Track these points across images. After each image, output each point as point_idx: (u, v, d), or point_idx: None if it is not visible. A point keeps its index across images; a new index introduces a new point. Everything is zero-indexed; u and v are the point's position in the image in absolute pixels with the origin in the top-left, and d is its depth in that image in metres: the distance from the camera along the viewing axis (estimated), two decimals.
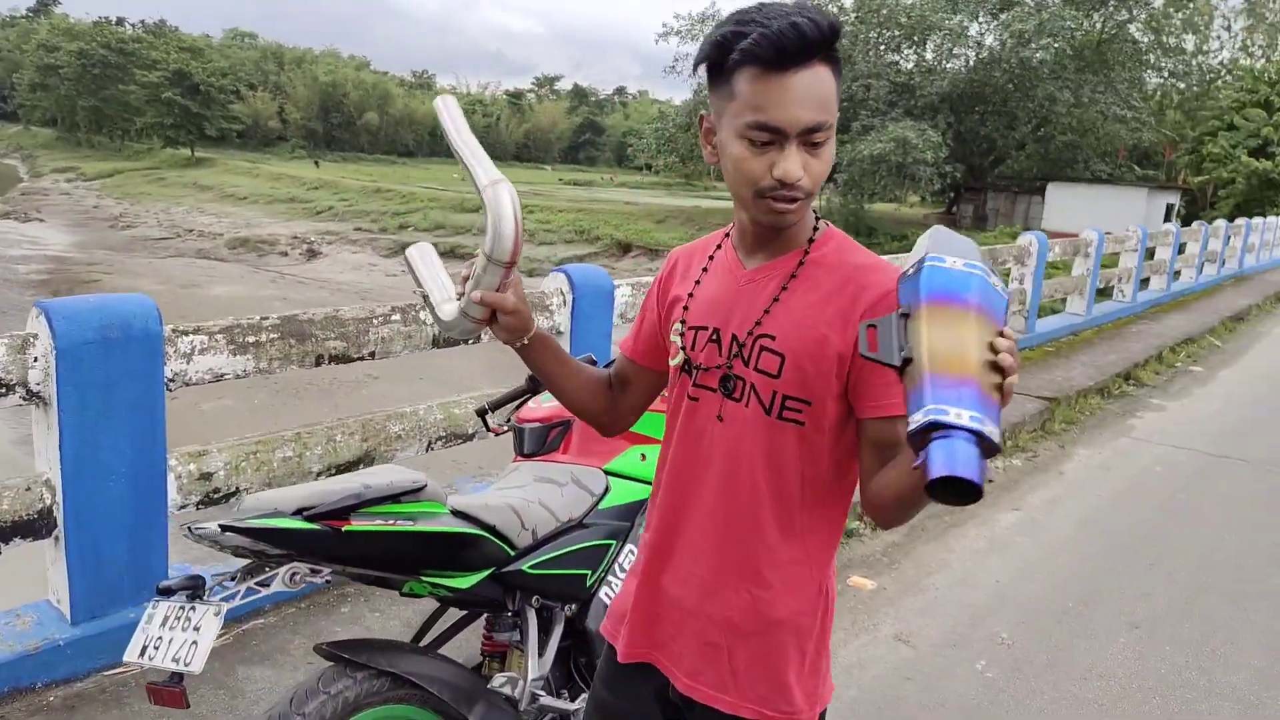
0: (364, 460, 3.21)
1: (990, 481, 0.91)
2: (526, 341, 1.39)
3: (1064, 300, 9.14)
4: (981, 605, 3.64)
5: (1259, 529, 4.65)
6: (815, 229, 1.35)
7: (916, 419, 0.93)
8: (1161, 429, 6.46)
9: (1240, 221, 15.14)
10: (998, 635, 3.40)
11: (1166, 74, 35.13)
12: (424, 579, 1.84)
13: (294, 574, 1.69)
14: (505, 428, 2.54)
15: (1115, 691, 3.08)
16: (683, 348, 1.39)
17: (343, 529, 1.68)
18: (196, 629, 1.56)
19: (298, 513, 1.66)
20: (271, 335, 2.86)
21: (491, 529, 1.93)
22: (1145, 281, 11.03)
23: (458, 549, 1.86)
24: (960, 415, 0.91)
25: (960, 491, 0.91)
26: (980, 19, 31.64)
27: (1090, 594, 3.76)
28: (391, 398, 9.30)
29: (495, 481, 2.28)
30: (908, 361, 0.97)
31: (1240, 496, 5.12)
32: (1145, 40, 32.15)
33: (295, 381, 11.50)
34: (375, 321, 3.13)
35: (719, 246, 1.43)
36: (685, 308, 1.41)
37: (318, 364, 3.01)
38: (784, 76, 1.17)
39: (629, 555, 2.26)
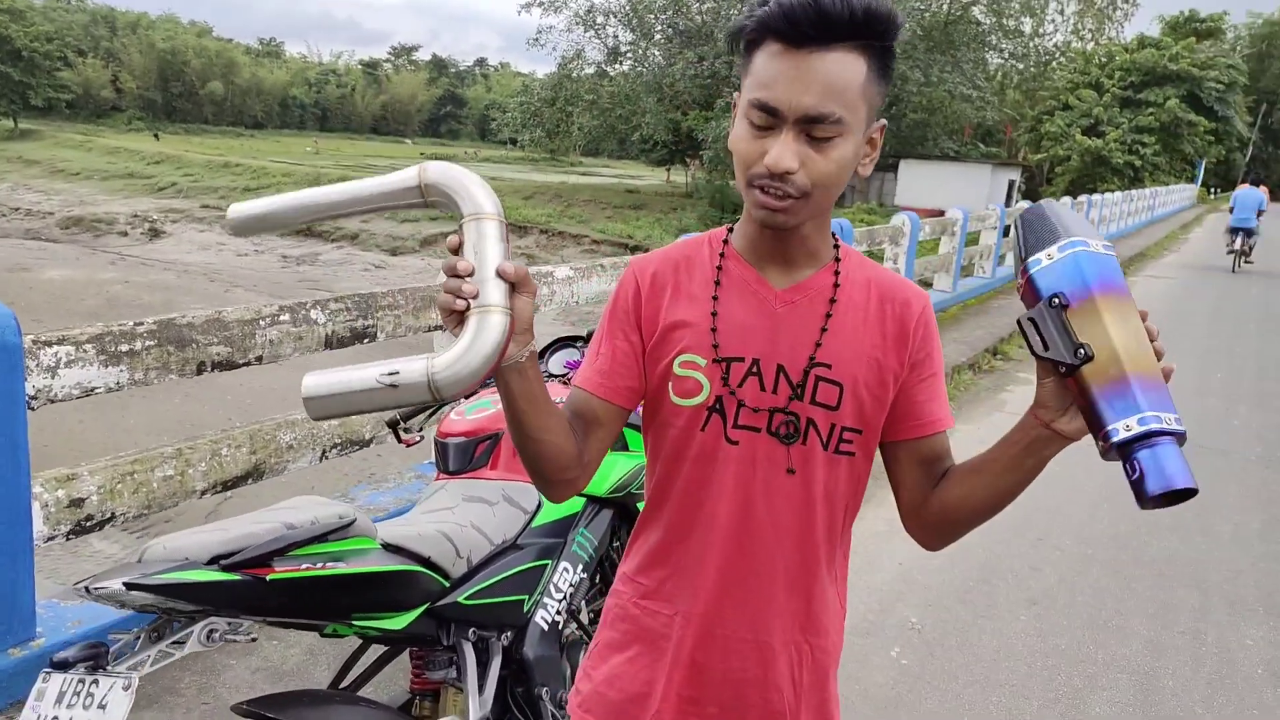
0: (253, 474, 2.96)
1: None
2: (534, 348, 1.09)
3: (932, 278, 9.45)
4: (888, 590, 3.69)
5: (1130, 498, 4.90)
6: (836, 245, 1.25)
7: (1129, 426, 0.92)
8: (1030, 402, 6.74)
9: (1083, 198, 16.09)
10: (907, 620, 3.45)
11: (1007, 55, 36.93)
12: (354, 622, 1.68)
13: (211, 631, 1.50)
14: (418, 438, 2.37)
15: (1023, 670, 3.17)
16: (714, 383, 1.18)
17: (266, 577, 1.49)
18: (102, 707, 1.35)
19: (213, 561, 1.47)
20: (148, 343, 2.58)
21: (426, 561, 1.77)
22: (1002, 258, 11.54)
23: (391, 588, 1.70)
24: (1170, 420, 0.92)
25: (1174, 498, 0.92)
26: None
27: (987, 572, 3.87)
28: (250, 385, 8.81)
29: (419, 503, 2.11)
30: (1087, 359, 0.94)
31: (1110, 466, 5.39)
32: (988, 22, 33.61)
33: None
34: (262, 323, 2.88)
35: (722, 255, 1.23)
36: (714, 329, 1.19)
37: (199, 372, 2.74)
38: (797, 55, 1.04)
39: (563, 574, 2.15)
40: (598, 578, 2.37)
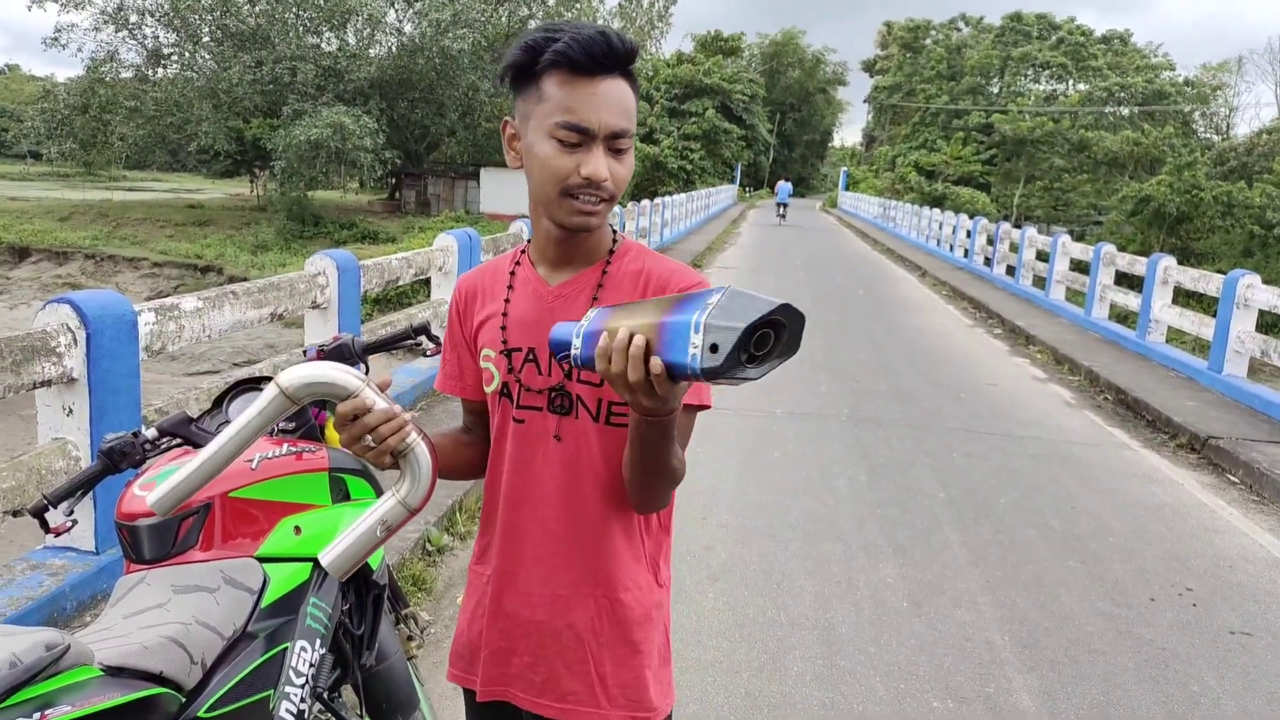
0: None
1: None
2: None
3: None
4: None
5: (752, 466, 5.42)
6: (615, 240, 1.42)
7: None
8: None
9: (658, 201, 17.55)
10: None
11: None
12: None
13: None
14: (69, 524, 1.92)
15: (725, 645, 3.35)
16: (502, 371, 1.40)
17: None
18: None
19: None
20: None
21: (159, 678, 1.42)
22: None
23: None
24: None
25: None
26: (396, 6, 32.11)
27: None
28: None
29: (112, 604, 1.69)
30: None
31: (746, 441, 5.90)
32: None
33: None
34: None
35: (517, 263, 1.44)
36: (503, 328, 1.40)
37: None
38: (592, 82, 1.24)
39: (301, 654, 1.85)
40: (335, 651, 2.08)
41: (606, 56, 1.23)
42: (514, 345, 1.39)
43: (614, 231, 1.43)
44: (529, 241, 1.45)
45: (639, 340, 1.06)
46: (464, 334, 1.48)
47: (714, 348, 0.99)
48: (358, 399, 1.22)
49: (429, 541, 3.94)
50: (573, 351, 1.15)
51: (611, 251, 1.40)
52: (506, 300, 1.42)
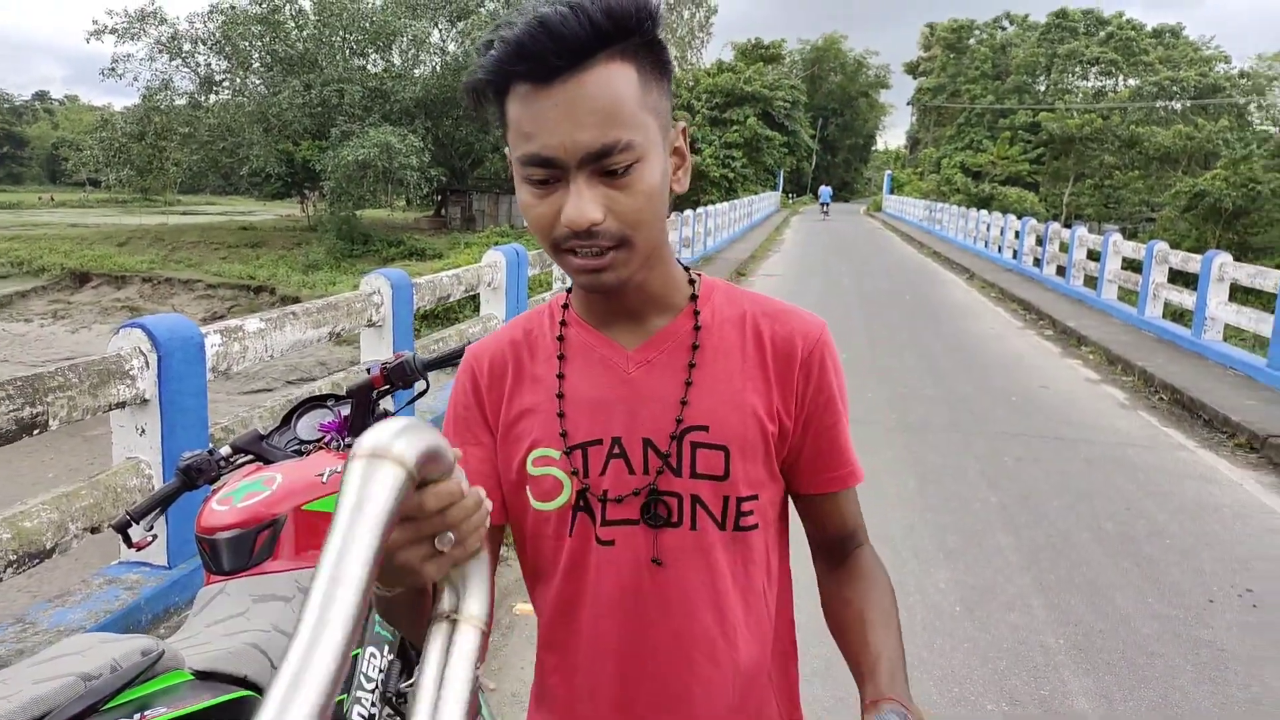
0: None
1: None
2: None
3: None
4: None
5: None
6: (692, 281, 1.04)
7: None
8: None
9: (700, 211, 17.62)
10: None
11: None
12: None
13: None
14: (151, 538, 2.03)
15: None
16: (571, 475, 0.98)
17: None
18: None
19: None
20: None
21: (244, 681, 1.52)
22: None
23: None
24: None
25: None
26: (440, 26, 32.64)
27: None
28: None
29: (195, 613, 1.79)
30: None
31: None
32: None
33: None
34: None
35: (563, 324, 1.03)
36: (561, 414, 0.99)
37: None
38: (552, 90, 0.85)
39: (371, 660, 1.95)
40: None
41: (557, 51, 0.83)
42: (590, 438, 0.98)
43: (684, 267, 1.05)
44: (569, 292, 1.06)
45: None
46: (484, 423, 1.04)
47: None
48: (452, 483, 0.74)
49: None
50: None
51: (694, 296, 1.03)
52: (560, 376, 1.01)
